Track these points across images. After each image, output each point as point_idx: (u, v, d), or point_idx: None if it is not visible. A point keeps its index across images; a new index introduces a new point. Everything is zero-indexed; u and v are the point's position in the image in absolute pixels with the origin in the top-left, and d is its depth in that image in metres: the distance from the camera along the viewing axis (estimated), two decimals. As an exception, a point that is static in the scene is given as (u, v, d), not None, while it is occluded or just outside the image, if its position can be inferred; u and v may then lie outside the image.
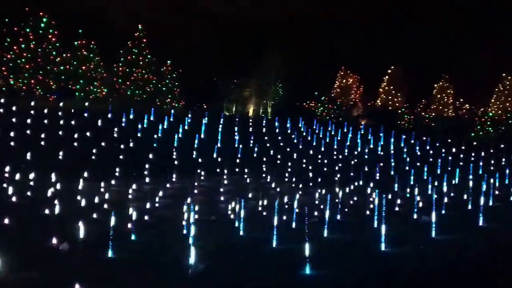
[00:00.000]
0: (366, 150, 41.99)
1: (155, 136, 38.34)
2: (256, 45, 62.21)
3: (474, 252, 13.09)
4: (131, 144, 35.89)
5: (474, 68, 68.35)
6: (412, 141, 46.06)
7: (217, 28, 68.13)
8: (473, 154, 40.67)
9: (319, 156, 39.43)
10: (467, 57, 71.76)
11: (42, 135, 33.11)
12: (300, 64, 62.55)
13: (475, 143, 45.16)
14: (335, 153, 40.91)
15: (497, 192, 26.79)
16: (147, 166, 31.24)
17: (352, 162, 37.34)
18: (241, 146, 39.61)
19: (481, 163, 37.10)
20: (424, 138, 46.93)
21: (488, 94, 65.07)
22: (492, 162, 37.85)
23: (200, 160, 34.86)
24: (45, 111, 37.16)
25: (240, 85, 59.95)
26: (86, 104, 41.65)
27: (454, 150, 43.12)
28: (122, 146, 34.36)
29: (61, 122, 36.16)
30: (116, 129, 37.70)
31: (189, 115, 44.23)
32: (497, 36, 71.31)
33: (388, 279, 11.04)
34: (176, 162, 33.66)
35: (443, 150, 42.39)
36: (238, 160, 36.03)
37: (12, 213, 16.88)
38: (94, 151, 32.66)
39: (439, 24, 75.59)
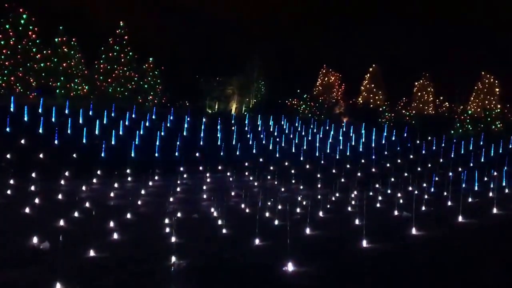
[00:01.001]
0: (348, 147, 42.36)
1: (138, 133, 38.18)
2: (238, 42, 62.19)
3: (455, 247, 13.33)
4: (113, 142, 35.68)
5: (454, 66, 69.29)
6: (393, 138, 46.62)
7: (199, 25, 67.95)
8: (452, 151, 41.27)
9: (302, 154, 39.67)
10: (447, 55, 72.74)
11: (22, 133, 32.70)
12: (282, 61, 62.75)
13: (454, 140, 45.80)
14: (317, 150, 41.19)
15: (476, 188, 27.25)
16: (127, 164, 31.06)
17: (334, 160, 37.63)
18: (223, 144, 39.66)
19: (460, 160, 37.71)
20: (405, 135, 47.54)
21: (468, 92, 66.01)
22: (472, 158, 38.43)
23: (182, 158, 34.79)
24: (25, 108, 36.68)
25: (223, 83, 59.88)
26: (67, 102, 41.21)
27: (434, 147, 43.75)
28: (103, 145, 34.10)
29: (42, 119, 35.74)
30: (97, 127, 37.41)
31: (171, 113, 44.13)
32: (476, 34, 72.36)
33: (370, 275, 11.19)
34: (158, 160, 33.58)
35: (424, 147, 42.97)
36: (220, 158, 36.07)
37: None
38: (74, 149, 32.39)
39: (419, 22, 76.40)
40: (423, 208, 20.58)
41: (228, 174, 32.25)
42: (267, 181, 30.75)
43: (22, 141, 31.79)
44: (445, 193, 24.44)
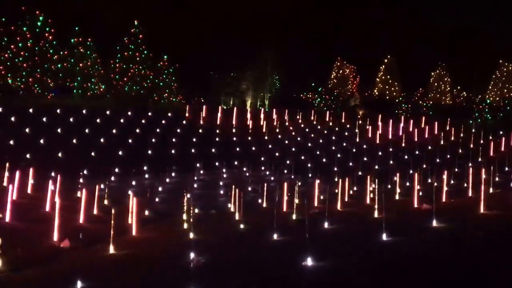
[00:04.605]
0: (364, 140, 42.00)
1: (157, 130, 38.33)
2: (252, 37, 62.00)
3: (475, 239, 13.12)
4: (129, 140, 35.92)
5: (471, 55, 68.26)
6: (410, 130, 46.08)
7: (213, 22, 67.92)
8: (471, 141, 40.66)
9: (318, 147, 39.45)
10: (464, 45, 71.66)
11: (41, 133, 33.09)
12: (296, 55, 62.46)
13: (473, 130, 45.12)
14: (333, 143, 40.91)
15: (497, 179, 26.81)
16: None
17: (351, 153, 37.36)
18: (239, 139, 39.65)
19: (480, 150, 37.14)
20: (423, 127, 46.94)
21: (486, 81, 65.08)
22: (491, 148, 37.83)
23: (198, 154, 34.88)
24: (44, 109, 37.11)
25: (237, 78, 59.83)
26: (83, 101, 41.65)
27: (452, 138, 43.13)
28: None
29: (60, 120, 36.13)
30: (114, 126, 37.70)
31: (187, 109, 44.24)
32: (494, 22, 71.20)
33: (390, 268, 11.07)
34: (174, 157, 33.70)
35: (442, 138, 42.39)
36: (236, 153, 36.07)
37: (13, 211, 16.88)
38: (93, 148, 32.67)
39: (434, 12, 75.42)
40: (444, 199, 20.31)
41: (244, 169, 32.24)
42: (284, 175, 30.66)
43: (41, 141, 32.17)
44: (465, 184, 24.10)
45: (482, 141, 41.26)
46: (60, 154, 30.63)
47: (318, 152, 38.11)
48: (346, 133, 44.12)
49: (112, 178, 27.88)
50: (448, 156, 35.65)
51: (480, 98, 60.36)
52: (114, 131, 37.22)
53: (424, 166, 31.27)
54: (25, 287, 11.05)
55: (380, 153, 37.83)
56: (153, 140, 36.72)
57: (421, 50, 71.68)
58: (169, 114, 43.60)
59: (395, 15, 73.14)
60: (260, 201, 23.18)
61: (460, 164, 32.31)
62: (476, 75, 64.87)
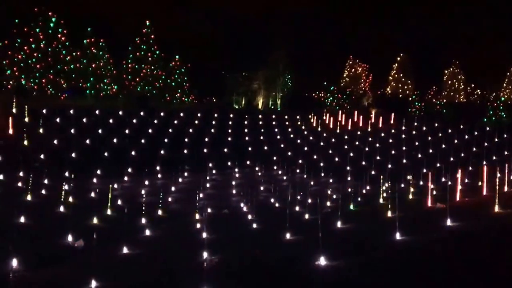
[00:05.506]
0: (377, 139, 41.76)
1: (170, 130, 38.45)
2: (263, 36, 61.93)
3: (489, 239, 12.97)
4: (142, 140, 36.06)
5: (485, 52, 67.60)
6: (424, 128, 45.72)
7: (224, 21, 67.95)
8: (486, 140, 40.23)
9: (330, 146, 39.31)
10: (477, 42, 70.98)
11: (55, 134, 33.34)
12: (308, 54, 62.27)
13: (488, 128, 44.64)
14: (346, 142, 40.74)
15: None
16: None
17: (364, 152, 37.17)
18: (251, 139, 39.63)
19: (494, 149, 36.72)
20: (436, 125, 46.55)
21: (500, 79, 64.38)
22: (506, 147, 37.40)
23: (211, 154, 34.92)
24: (57, 110, 37.37)
25: (249, 78, 59.79)
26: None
27: (466, 136, 42.69)
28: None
29: (73, 120, 36.39)
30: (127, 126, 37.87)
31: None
32: (509, 18, 70.33)
33: (403, 268, 10.99)
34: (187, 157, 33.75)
35: (456, 136, 41.98)
36: (248, 153, 36.07)
37: (27, 211, 17.03)
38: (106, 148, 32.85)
39: (448, 9, 74.74)
40: (458, 198, 20.13)
41: (257, 168, 32.23)
42: (296, 175, 30.61)
43: (55, 142, 32.43)
44: (479, 183, 23.85)
45: (496, 139, 40.80)
46: (73, 155, 30.86)
47: (330, 151, 37.99)
48: (359, 132, 43.91)
49: (125, 178, 28.02)
50: (462, 155, 35.31)
51: (494, 96, 59.70)
52: (127, 131, 37.42)
53: (438, 164, 30.99)
54: (40, 286, 11.13)
55: (393, 152, 37.60)
56: (166, 140, 36.85)
57: (434, 47, 71.08)
58: (181, 114, 43.75)
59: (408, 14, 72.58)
60: (272, 200, 23.15)
61: (474, 163, 31.99)
62: (490, 73, 64.21)
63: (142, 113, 41.86)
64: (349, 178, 29.27)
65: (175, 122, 41.62)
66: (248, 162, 34.05)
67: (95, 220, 17.78)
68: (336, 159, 35.84)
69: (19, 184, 23.44)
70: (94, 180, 26.82)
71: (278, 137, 41.32)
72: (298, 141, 40.81)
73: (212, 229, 15.88)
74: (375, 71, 69.80)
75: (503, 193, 20.29)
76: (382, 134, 43.46)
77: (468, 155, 34.67)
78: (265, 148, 38.31)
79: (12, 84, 45.34)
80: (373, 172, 30.48)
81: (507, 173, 26.32)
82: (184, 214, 20.35)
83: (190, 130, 39.80)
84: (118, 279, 11.42)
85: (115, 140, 35.33)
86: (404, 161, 34.83)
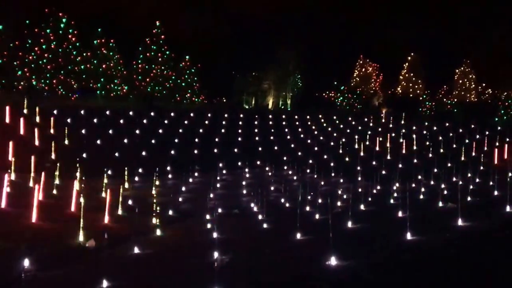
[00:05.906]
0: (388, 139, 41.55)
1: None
2: (273, 36, 61.88)
3: (501, 239, 12.87)
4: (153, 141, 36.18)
5: (496, 51, 66.95)
6: (435, 128, 45.44)
7: (234, 21, 67.98)
8: (497, 139, 39.90)
9: (340, 146, 39.18)
10: (488, 41, 70.32)
11: (65, 134, 33.55)
12: (318, 54, 62.13)
13: (499, 127, 44.27)
14: (356, 142, 40.59)
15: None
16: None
17: (375, 151, 37.02)
18: (261, 139, 39.61)
19: (506, 148, 36.41)
20: (447, 124, 46.25)
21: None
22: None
23: (221, 154, 34.96)
24: (68, 110, 37.61)
25: (259, 78, 59.83)
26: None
27: (477, 136, 42.37)
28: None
29: (84, 120, 36.60)
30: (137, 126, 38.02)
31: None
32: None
33: (414, 268, 10.94)
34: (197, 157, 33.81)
35: (467, 136, 41.68)
36: (258, 153, 36.05)
37: (39, 212, 17.15)
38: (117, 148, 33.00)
39: (458, 7, 74.21)
40: (469, 198, 19.99)
41: (267, 168, 32.22)
42: (307, 175, 30.55)
43: (66, 142, 32.63)
44: (491, 183, 23.67)
45: (508, 139, 40.46)
46: (84, 155, 31.02)
47: (341, 151, 37.87)
48: (369, 132, 43.74)
49: (136, 178, 28.13)
50: (474, 154, 35.05)
51: (506, 95, 59.19)
52: (137, 131, 37.58)
53: (449, 164, 30.77)
54: (52, 286, 11.21)
55: (404, 152, 37.42)
56: (176, 140, 36.96)
57: (445, 46, 70.52)
58: (191, 115, 43.86)
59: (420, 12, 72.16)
60: (283, 200, 23.13)
61: (485, 163, 31.76)
62: (502, 72, 63.58)
63: (152, 114, 42.03)
64: (359, 178, 29.16)
65: (185, 122, 41.72)
66: (258, 162, 34.03)
67: (106, 220, 17.86)
68: (347, 159, 35.72)
69: (31, 184, 23.60)
70: (105, 180, 26.93)
71: (288, 137, 41.28)
72: (308, 141, 40.74)
73: (222, 229, 15.91)
74: (385, 70, 69.45)
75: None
76: (393, 134, 43.25)
77: (479, 154, 34.42)
78: (275, 148, 38.28)
79: (23, 85, 45.73)
80: (383, 172, 30.35)
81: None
82: (195, 214, 20.39)
83: (200, 130, 39.88)
84: (129, 279, 11.47)
85: (125, 141, 35.49)
86: (415, 161, 34.64)
